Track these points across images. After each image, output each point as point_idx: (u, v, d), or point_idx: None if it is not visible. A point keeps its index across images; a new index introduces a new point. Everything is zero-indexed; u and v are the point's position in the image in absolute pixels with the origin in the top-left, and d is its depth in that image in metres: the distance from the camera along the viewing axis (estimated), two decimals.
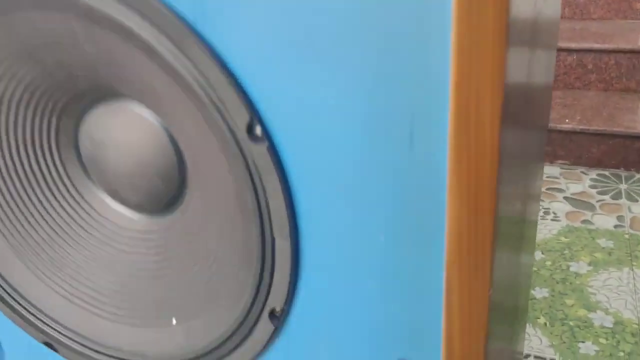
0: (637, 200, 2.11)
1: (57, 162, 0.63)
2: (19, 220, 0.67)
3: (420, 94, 0.41)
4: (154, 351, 0.64)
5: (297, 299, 0.54)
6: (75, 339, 0.68)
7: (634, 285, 1.70)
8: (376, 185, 0.46)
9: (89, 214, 0.68)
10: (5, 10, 0.51)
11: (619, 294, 1.67)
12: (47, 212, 0.67)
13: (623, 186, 2.21)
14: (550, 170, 2.33)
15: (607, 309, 1.62)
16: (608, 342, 1.50)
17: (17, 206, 0.66)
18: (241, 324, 0.57)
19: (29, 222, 0.67)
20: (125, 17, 0.46)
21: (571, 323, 1.59)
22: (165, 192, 0.60)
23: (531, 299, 1.66)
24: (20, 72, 0.55)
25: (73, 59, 0.52)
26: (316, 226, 0.50)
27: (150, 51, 0.47)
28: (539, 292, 1.69)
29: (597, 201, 2.13)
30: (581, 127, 2.29)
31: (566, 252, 1.87)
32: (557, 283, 1.74)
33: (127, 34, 0.47)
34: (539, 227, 1.97)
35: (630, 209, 2.07)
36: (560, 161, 2.38)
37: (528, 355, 1.48)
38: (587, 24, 2.69)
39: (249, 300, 0.55)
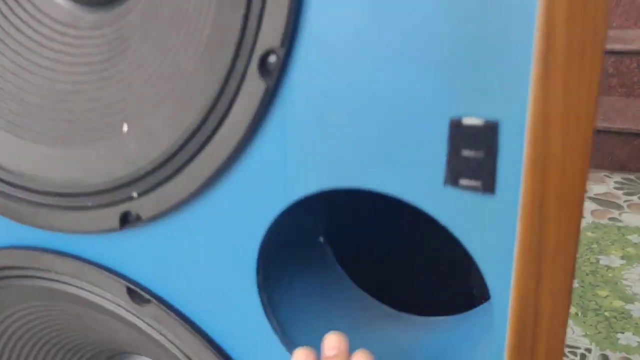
0: None
1: None
2: None
3: None
4: (96, 173, 0.47)
5: (301, 38, 0.38)
6: None
7: None
8: None
9: (25, 9, 0.51)
10: None
11: None
12: None
13: None
14: None
15: None
16: None
17: None
18: (220, 92, 0.40)
19: None
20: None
21: (607, 314, 1.41)
22: None
23: None
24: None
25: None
26: None
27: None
28: None
29: (625, 201, 1.97)
30: (604, 124, 2.13)
31: (594, 246, 1.70)
32: (587, 275, 1.57)
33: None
34: None
35: None
36: None
37: None
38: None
39: (231, 47, 0.39)
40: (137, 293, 0.50)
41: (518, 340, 0.37)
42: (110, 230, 0.48)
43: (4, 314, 0.61)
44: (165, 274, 0.49)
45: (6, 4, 0.50)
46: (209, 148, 0.42)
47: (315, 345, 0.49)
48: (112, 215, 0.48)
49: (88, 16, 0.49)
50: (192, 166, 0.43)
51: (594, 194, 2.03)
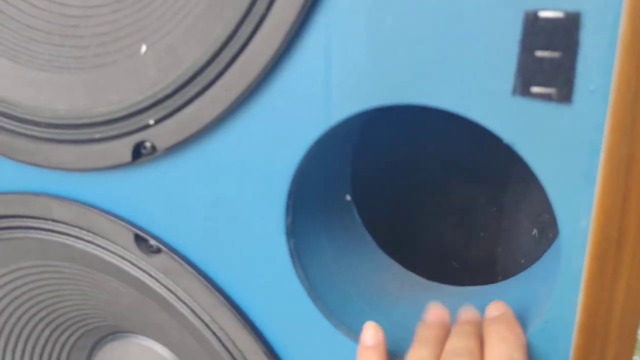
0: None
1: None
2: None
3: None
4: (107, 100, 0.42)
5: None
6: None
7: None
8: None
9: None
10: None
11: None
12: None
13: None
14: None
15: None
16: None
17: None
18: None
19: None
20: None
21: None
22: None
23: None
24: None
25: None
26: None
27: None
28: None
29: None
30: None
31: None
32: None
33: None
34: None
35: None
36: None
37: None
38: None
39: None
40: (145, 241, 0.45)
41: (598, 266, 0.32)
42: (121, 164, 0.43)
43: None
44: (179, 219, 0.44)
45: None
46: (239, 62, 0.38)
47: (346, 305, 0.44)
48: (124, 147, 0.43)
49: None
50: (219, 85, 0.39)
51: None
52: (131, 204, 0.45)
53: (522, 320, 0.38)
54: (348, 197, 0.50)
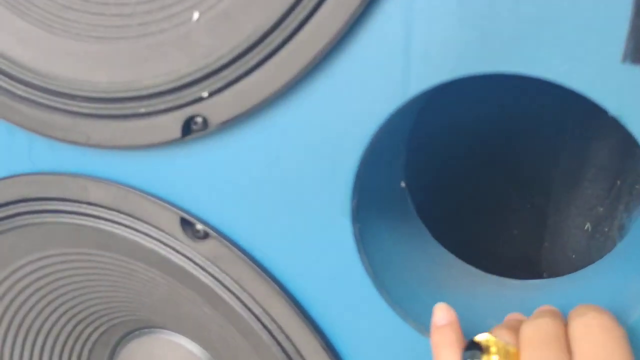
0: None
1: None
2: None
3: None
4: (154, 72, 0.39)
5: None
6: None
7: None
8: None
9: None
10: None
11: None
12: None
13: None
14: None
15: None
16: None
17: None
18: None
19: None
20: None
21: None
22: None
23: None
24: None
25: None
26: None
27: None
28: None
29: None
30: None
31: None
32: None
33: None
34: None
35: None
36: None
37: None
38: None
39: None
40: (192, 225, 0.42)
41: None
42: (168, 141, 0.40)
43: (10, 267, 0.51)
44: (230, 202, 0.40)
45: None
46: (308, 28, 0.34)
47: (409, 296, 0.41)
48: (172, 122, 0.39)
49: None
50: (284, 53, 0.35)
51: None
52: (177, 185, 0.41)
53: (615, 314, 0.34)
54: (403, 184, 0.47)
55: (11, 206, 0.47)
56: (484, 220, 0.59)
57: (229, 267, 0.41)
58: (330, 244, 0.38)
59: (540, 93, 0.54)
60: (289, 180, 0.38)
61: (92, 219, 0.44)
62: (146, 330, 0.57)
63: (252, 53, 0.36)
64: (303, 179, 0.38)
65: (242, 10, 0.36)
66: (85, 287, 0.51)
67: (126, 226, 0.44)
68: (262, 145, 0.38)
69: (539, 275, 0.60)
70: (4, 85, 0.43)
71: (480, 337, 0.33)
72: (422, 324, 0.39)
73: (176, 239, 0.42)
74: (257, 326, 0.42)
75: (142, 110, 0.40)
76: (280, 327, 0.41)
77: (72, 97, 0.42)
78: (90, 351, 0.58)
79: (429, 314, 0.40)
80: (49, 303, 0.53)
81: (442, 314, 0.36)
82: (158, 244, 0.43)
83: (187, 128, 0.39)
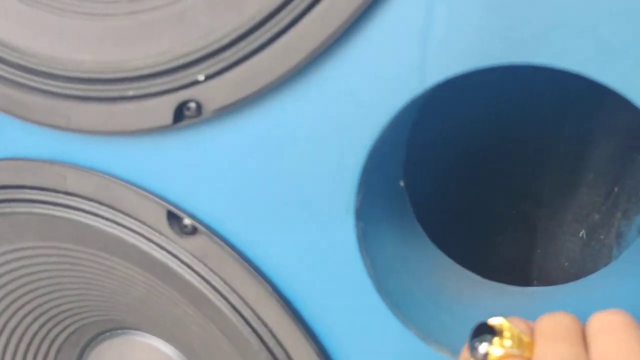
0: None
1: None
2: None
3: None
4: (145, 52, 0.36)
5: None
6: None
7: None
8: None
9: None
10: None
11: None
12: None
13: None
14: None
15: None
16: None
17: None
18: None
19: None
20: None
21: None
22: None
23: None
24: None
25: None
26: None
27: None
28: None
29: None
30: None
31: None
32: None
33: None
34: None
35: None
36: None
37: None
38: None
39: None
40: (179, 220, 0.39)
41: None
42: (157, 128, 0.37)
43: None
44: (223, 195, 0.38)
45: None
46: (320, 7, 0.32)
47: (410, 301, 0.38)
48: (163, 106, 0.36)
49: None
50: (291, 35, 0.33)
51: None
52: (166, 176, 0.38)
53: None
54: (402, 183, 0.45)
55: None
56: (478, 224, 0.58)
57: (218, 265, 0.38)
58: (331, 242, 0.36)
59: (541, 95, 0.52)
60: (289, 174, 0.36)
61: (68, 210, 0.41)
62: (119, 331, 0.53)
63: (255, 34, 0.33)
64: (305, 172, 0.35)
65: None
66: (56, 284, 0.48)
67: (106, 219, 0.40)
68: (261, 135, 0.35)
69: (529, 283, 0.59)
70: None
71: (494, 321, 0.31)
72: (424, 331, 0.37)
73: (161, 234, 0.39)
74: (245, 330, 0.39)
75: (131, 93, 0.37)
76: (271, 331, 0.38)
77: (53, 76, 0.38)
78: (58, 352, 0.54)
79: (429, 319, 0.38)
80: (15, 300, 0.50)
81: None
82: (140, 238, 0.40)
83: (179, 114, 0.36)
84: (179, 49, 0.35)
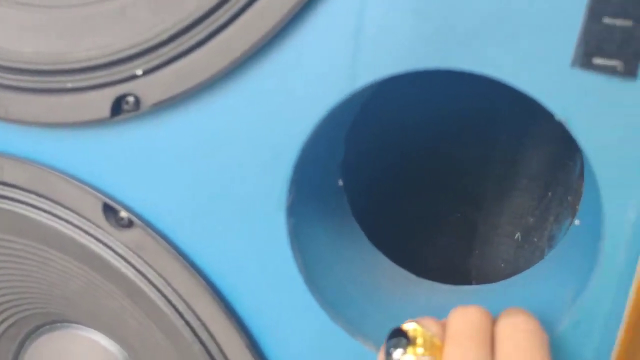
0: None
1: None
2: None
3: None
4: (85, 45, 0.36)
5: None
6: None
7: None
8: None
9: None
10: None
11: None
12: None
13: None
14: None
15: None
16: None
17: None
18: None
19: None
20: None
21: None
22: None
23: None
24: None
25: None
26: None
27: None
28: None
29: None
30: None
31: None
32: None
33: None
34: None
35: None
36: None
37: None
38: None
39: None
40: (116, 212, 0.39)
41: None
42: (95, 120, 0.37)
43: None
44: (159, 189, 0.38)
45: None
46: (256, 6, 0.32)
47: (342, 297, 0.39)
48: (102, 99, 0.36)
49: None
50: (230, 32, 0.33)
51: None
52: (103, 168, 0.39)
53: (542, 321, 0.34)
54: (340, 183, 0.46)
55: None
56: (416, 225, 0.59)
57: (152, 258, 0.38)
58: (263, 238, 0.37)
59: (480, 100, 0.54)
60: (223, 169, 0.36)
61: (5, 200, 0.41)
62: (59, 324, 0.53)
63: (194, 31, 0.34)
64: (238, 168, 0.36)
65: None
66: None
67: (43, 210, 0.40)
68: (196, 130, 0.36)
69: (468, 283, 0.60)
70: None
71: (408, 326, 0.32)
72: (354, 326, 0.38)
73: (98, 226, 0.39)
74: (179, 323, 0.39)
75: (70, 85, 0.37)
76: (204, 325, 0.39)
77: None
78: None
79: (361, 316, 0.39)
80: None
81: None
82: (77, 230, 0.40)
83: (118, 107, 0.37)
84: (119, 43, 0.36)
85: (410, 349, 0.31)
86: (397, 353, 0.31)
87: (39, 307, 0.50)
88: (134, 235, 0.39)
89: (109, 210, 0.39)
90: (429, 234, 0.59)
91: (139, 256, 0.39)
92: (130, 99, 0.36)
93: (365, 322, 0.39)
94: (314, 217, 0.41)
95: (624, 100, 0.29)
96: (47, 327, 0.53)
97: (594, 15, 0.29)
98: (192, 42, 0.34)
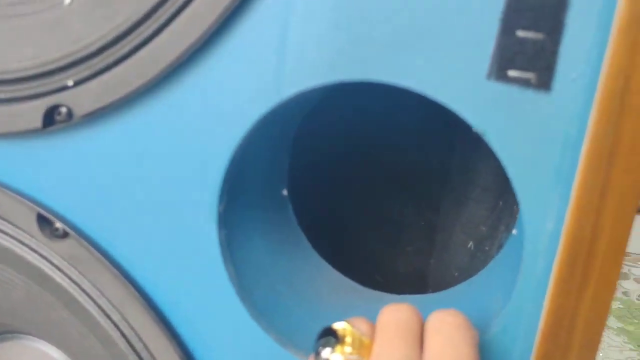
0: None
1: None
2: None
3: None
4: (16, 56, 0.36)
5: None
6: None
7: None
8: None
9: None
10: None
11: None
12: None
13: None
14: None
15: None
16: None
17: None
18: None
19: None
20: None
21: None
22: None
23: None
24: None
25: None
26: None
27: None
28: None
29: None
30: None
31: None
32: None
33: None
34: None
35: None
36: None
37: None
38: None
39: None
40: (50, 223, 0.39)
41: (567, 270, 0.30)
42: (28, 131, 0.37)
43: None
44: (92, 200, 0.38)
45: None
46: (181, 19, 0.33)
47: (277, 307, 0.39)
48: (33, 110, 0.37)
49: None
50: (155, 44, 0.34)
51: None
52: (37, 179, 0.39)
53: (478, 326, 0.34)
54: (285, 192, 0.46)
55: None
56: (369, 234, 0.59)
57: (87, 269, 0.38)
58: (194, 250, 0.37)
59: (432, 110, 0.54)
60: (154, 180, 0.36)
61: None
62: (9, 335, 0.53)
63: (122, 43, 0.34)
64: (169, 178, 0.36)
65: None
66: None
67: None
68: (127, 141, 0.36)
69: (425, 292, 0.60)
70: None
71: (338, 325, 0.32)
72: (286, 337, 0.38)
73: (33, 237, 0.39)
74: (115, 334, 0.39)
75: (2, 95, 0.37)
76: (137, 335, 0.39)
77: None
78: None
79: (298, 326, 0.39)
80: None
81: None
82: (14, 241, 0.40)
83: (50, 118, 0.37)
84: (51, 54, 0.36)
85: (338, 348, 0.32)
86: (326, 352, 0.31)
87: None
88: (68, 245, 0.39)
89: (43, 221, 0.39)
90: (383, 243, 0.60)
91: (74, 267, 0.39)
92: (63, 109, 0.36)
93: (300, 333, 0.39)
94: (253, 228, 0.41)
95: (539, 112, 0.30)
96: None
97: (507, 28, 0.29)
98: (121, 53, 0.34)
